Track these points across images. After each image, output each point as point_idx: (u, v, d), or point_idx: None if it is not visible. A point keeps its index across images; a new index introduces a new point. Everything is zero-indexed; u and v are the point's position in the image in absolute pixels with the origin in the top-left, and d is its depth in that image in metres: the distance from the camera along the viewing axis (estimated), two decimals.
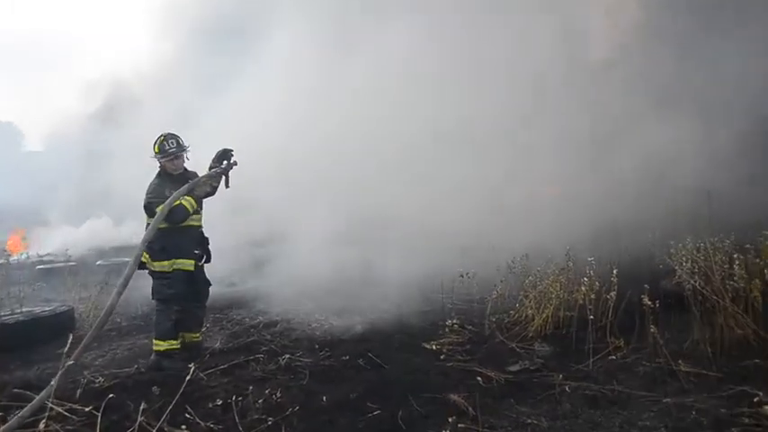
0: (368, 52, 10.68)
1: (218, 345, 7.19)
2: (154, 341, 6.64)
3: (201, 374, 6.00)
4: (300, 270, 9.65)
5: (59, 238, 18.31)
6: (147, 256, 6.54)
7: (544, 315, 6.65)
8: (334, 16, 11.92)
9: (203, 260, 6.90)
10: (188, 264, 6.68)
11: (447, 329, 6.90)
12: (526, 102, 8.96)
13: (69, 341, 4.44)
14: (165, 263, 6.59)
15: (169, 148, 6.67)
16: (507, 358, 6.09)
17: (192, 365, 4.79)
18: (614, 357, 5.81)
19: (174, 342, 6.63)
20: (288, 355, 6.50)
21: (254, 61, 14.02)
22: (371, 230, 9.40)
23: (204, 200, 6.86)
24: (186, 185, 6.58)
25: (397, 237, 9.03)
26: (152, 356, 6.62)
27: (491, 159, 9.16)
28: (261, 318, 8.50)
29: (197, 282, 6.81)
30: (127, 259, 13.92)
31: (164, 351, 6.55)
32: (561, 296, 6.61)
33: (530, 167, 8.70)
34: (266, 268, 10.85)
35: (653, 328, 5.43)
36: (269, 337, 7.42)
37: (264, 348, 6.87)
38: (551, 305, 6.64)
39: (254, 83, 13.80)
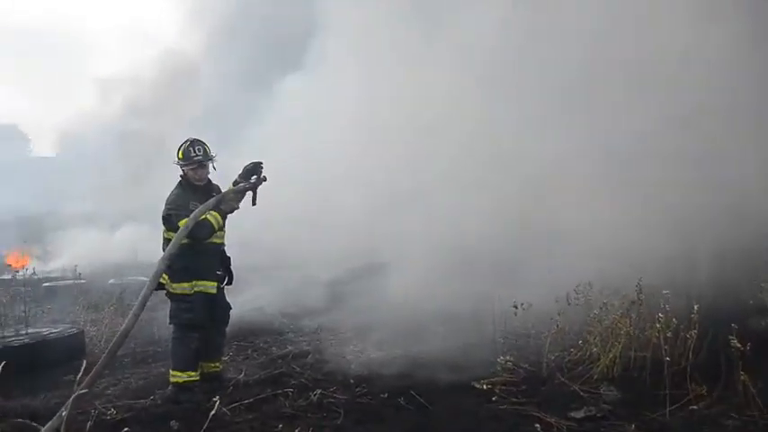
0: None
1: (242, 376, 6.94)
2: (171, 372, 6.41)
3: (224, 409, 5.73)
4: (338, 293, 9.43)
5: (73, 251, 18.37)
6: (167, 276, 6.34)
7: (611, 354, 6.27)
8: None
9: (225, 282, 6.69)
10: (210, 286, 6.49)
11: (499, 367, 6.57)
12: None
13: (83, 367, 4.22)
14: (186, 284, 6.39)
15: (195, 156, 6.48)
16: (569, 402, 5.73)
17: (215, 398, 4.55)
18: (696, 407, 5.41)
19: (194, 373, 6.41)
20: (320, 391, 6.23)
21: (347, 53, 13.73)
22: (416, 253, 9.12)
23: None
24: (213, 199, 6.39)
25: (443, 259, 8.72)
26: (169, 388, 6.37)
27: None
28: (290, 347, 8.26)
29: (217, 306, 6.58)
30: (143, 278, 13.92)
31: (182, 383, 6.31)
32: (631, 333, 6.23)
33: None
34: (301, 291, 10.66)
35: (743, 375, 5.04)
36: (299, 369, 7.16)
37: (294, 382, 6.62)
38: (620, 343, 6.26)
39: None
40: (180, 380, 6.33)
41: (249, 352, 8.17)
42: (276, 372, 7.07)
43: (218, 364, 6.79)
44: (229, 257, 6.79)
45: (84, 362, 4.50)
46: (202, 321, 6.43)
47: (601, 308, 6.62)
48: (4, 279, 10.27)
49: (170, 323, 6.53)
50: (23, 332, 8.37)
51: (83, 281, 13.72)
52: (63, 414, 4.45)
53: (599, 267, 7.26)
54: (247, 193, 6.66)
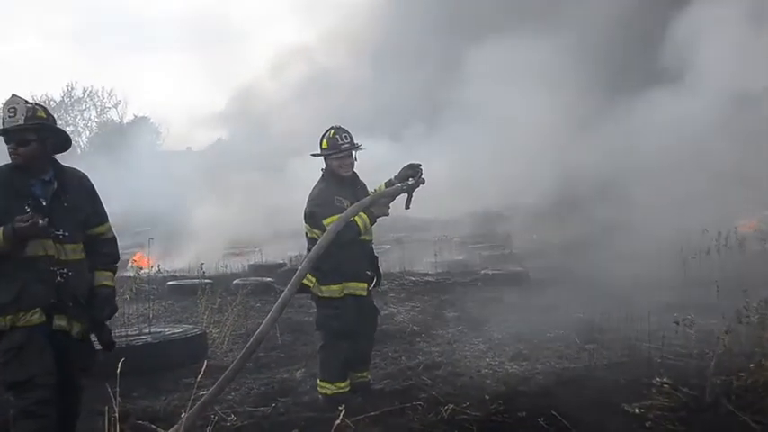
0: None
1: None
2: (318, 382, 6.67)
3: (348, 421, 5.90)
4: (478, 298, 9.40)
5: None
6: (314, 278, 6.53)
7: None
8: None
9: (374, 283, 6.88)
10: (360, 288, 6.67)
11: (654, 389, 6.41)
12: None
13: (203, 369, 4.49)
14: (335, 287, 6.56)
15: (342, 144, 6.66)
16: None
17: (341, 408, 4.69)
18: None
19: (343, 384, 6.61)
20: (451, 405, 6.25)
21: None
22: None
23: None
24: (367, 199, 6.55)
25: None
26: (320, 397, 6.66)
27: None
28: (420, 357, 8.43)
29: (366, 310, 6.80)
30: (268, 279, 14.49)
31: (332, 395, 6.51)
32: None
33: None
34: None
35: None
36: (429, 381, 7.30)
37: (424, 395, 6.72)
38: None
39: None
40: (329, 391, 6.53)
41: (377, 361, 8.35)
42: (406, 383, 7.23)
43: (365, 374, 6.98)
44: (377, 257, 6.98)
45: (205, 363, 4.73)
46: (353, 328, 6.61)
47: None
48: (127, 276, 10.92)
49: (317, 330, 6.77)
50: (146, 331, 8.89)
51: (208, 280, 14.36)
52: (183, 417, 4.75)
53: None
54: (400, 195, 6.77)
